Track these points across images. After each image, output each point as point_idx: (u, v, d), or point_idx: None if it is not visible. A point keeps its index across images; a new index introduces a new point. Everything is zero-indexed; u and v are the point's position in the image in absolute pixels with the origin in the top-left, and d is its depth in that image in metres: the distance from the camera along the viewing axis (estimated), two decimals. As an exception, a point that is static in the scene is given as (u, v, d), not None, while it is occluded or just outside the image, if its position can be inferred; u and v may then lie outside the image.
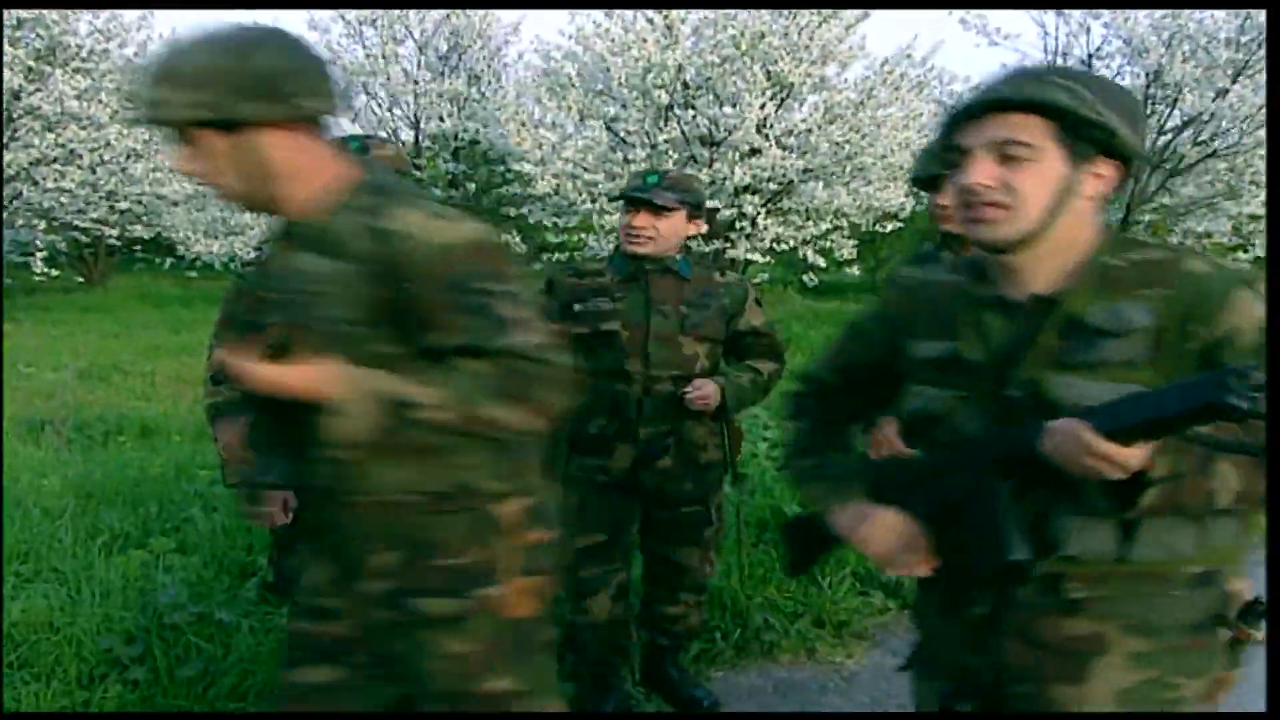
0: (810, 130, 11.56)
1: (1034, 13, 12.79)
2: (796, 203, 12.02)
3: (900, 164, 11.53)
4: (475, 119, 13.80)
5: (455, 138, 14.13)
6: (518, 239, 12.85)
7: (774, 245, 12.24)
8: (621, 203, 2.50)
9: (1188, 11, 11.28)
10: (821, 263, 12.55)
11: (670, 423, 2.48)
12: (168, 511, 3.77)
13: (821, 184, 11.57)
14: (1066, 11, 12.38)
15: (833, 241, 12.58)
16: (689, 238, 2.56)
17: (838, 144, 11.46)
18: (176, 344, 11.06)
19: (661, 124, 11.52)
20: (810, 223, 12.22)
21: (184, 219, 15.55)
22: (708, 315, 2.50)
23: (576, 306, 2.49)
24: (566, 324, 2.43)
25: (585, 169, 11.61)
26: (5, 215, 13.24)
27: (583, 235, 12.62)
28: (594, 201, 11.71)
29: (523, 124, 11.75)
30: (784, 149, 11.59)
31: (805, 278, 12.74)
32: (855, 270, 13.27)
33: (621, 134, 11.86)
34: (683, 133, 11.56)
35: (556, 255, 12.63)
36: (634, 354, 2.46)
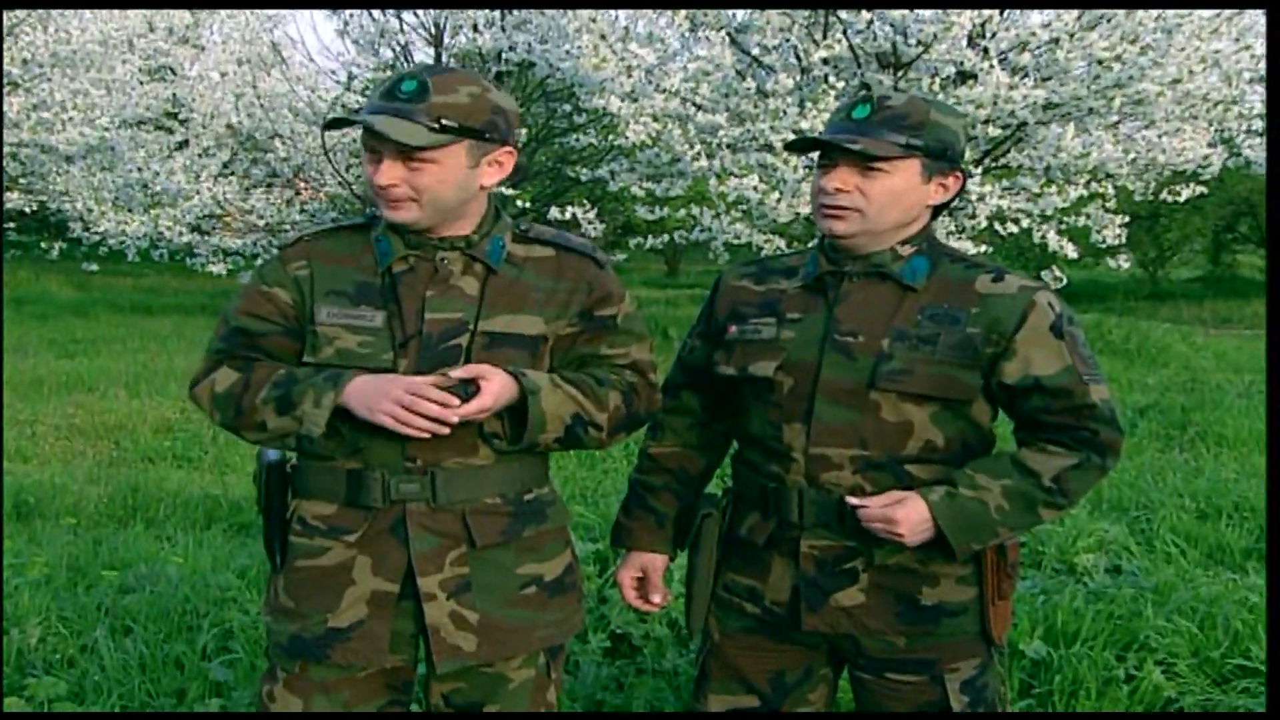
0: (1056, 41, 11.43)
1: None
2: (1031, 156, 12.03)
3: (1204, 93, 11.48)
4: (527, 29, 13.70)
5: (498, 59, 14.05)
6: (592, 215, 12.60)
7: (994, 224, 12.25)
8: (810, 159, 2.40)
9: None
10: (1071, 251, 12.47)
11: (855, 535, 2.48)
12: (56, 638, 3.96)
13: (1072, 126, 11.51)
14: None
15: (1088, 217, 12.53)
16: (936, 208, 2.54)
17: (1101, 63, 11.32)
18: (69, 375, 11.06)
19: (818, 34, 11.45)
20: (1052, 188, 12.18)
21: (83, 182, 15.65)
22: (934, 354, 2.45)
23: (731, 330, 2.60)
24: (719, 354, 2.60)
25: (699, 105, 11.62)
26: None
27: (693, 210, 12.49)
28: (712, 157, 11.73)
29: (602, 37, 11.77)
30: (1013, 71, 11.57)
31: (1045, 274, 12.66)
32: (1124, 262, 12.88)
33: (755, 51, 11.85)
34: (852, 48, 11.58)
35: (652, 239, 12.41)
36: (793, 416, 2.49)
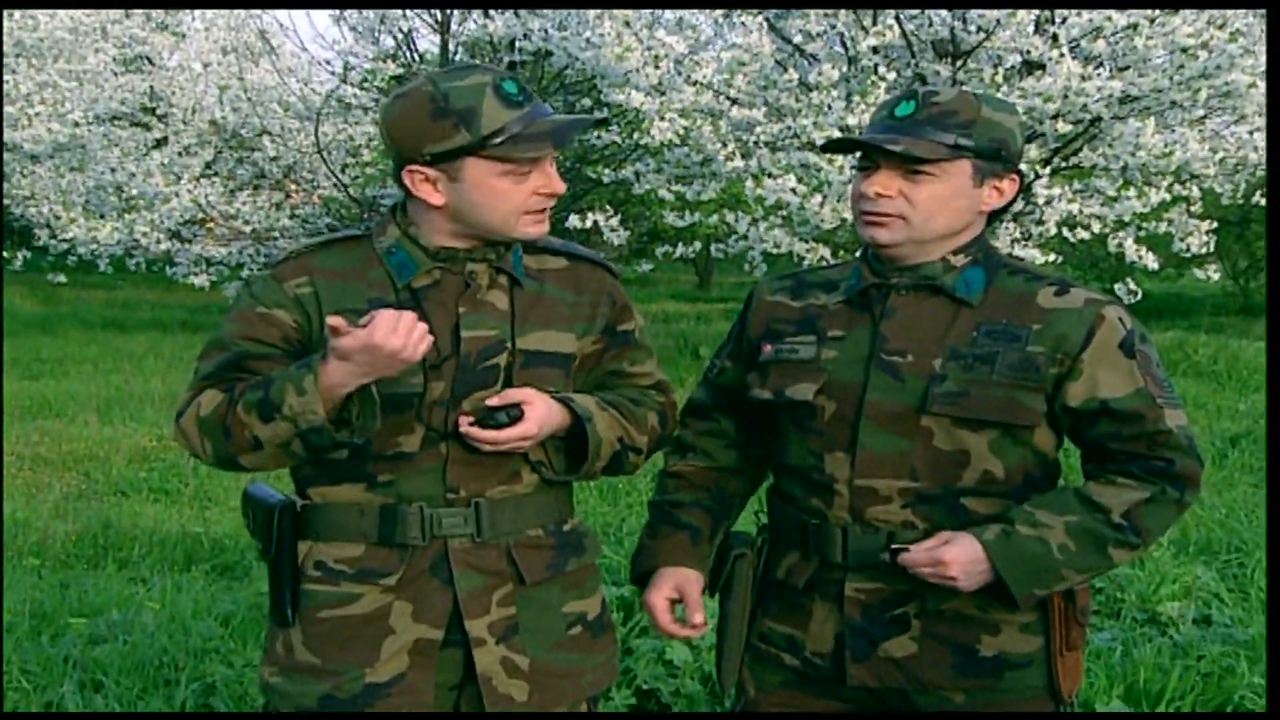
0: (1134, 27, 11.42)
1: None
2: (1106, 155, 11.97)
3: (1302, 85, 11.10)
4: (543, 15, 13.71)
5: (510, 47, 14.09)
6: (614, 221, 12.62)
7: (1063, 231, 12.21)
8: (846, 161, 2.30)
9: None
10: (1150, 261, 12.42)
11: (906, 577, 2.47)
12: (17, 693, 3.98)
13: (1153, 121, 11.44)
14: None
15: (1170, 223, 12.48)
16: (992, 214, 2.56)
17: (1185, 51, 11.27)
18: (33, 398, 11.11)
19: (867, 20, 11.48)
20: (1130, 191, 12.13)
21: (50, 184, 15.75)
22: (993, 374, 2.45)
23: (766, 349, 2.61)
24: (752, 377, 2.61)
25: (734, 99, 11.60)
26: None
27: (727, 215, 12.55)
28: (748, 156, 11.70)
29: (626, 24, 11.78)
30: (1085, 60, 11.49)
31: (1119, 288, 12.59)
32: (1211, 274, 12.81)
33: (797, 39, 11.84)
34: (905, 35, 11.59)
35: (681, 248, 12.42)
36: (836, 445, 2.50)
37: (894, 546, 2.44)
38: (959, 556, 2.39)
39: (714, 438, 2.74)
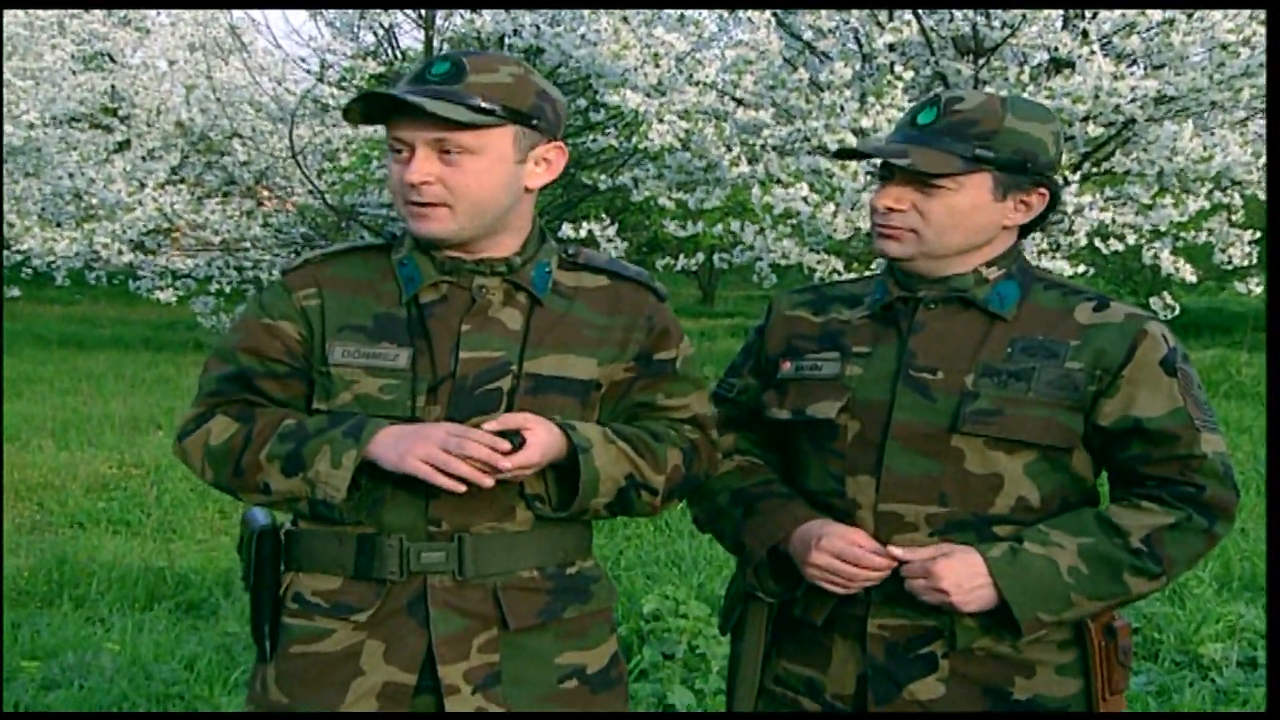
0: (1171, 22, 11.43)
1: None
2: (1140, 160, 11.96)
3: (1352, 84, 11.13)
4: (536, 9, 13.72)
5: (500, 44, 14.10)
6: (611, 231, 12.61)
7: (1095, 241, 12.20)
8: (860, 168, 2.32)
9: None
10: (1189, 274, 12.42)
11: (934, 612, 2.48)
12: None
13: (1191, 123, 11.46)
14: None
15: (1210, 233, 12.50)
16: (1020, 230, 2.59)
17: (1225, 48, 11.29)
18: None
19: (884, 16, 11.51)
20: (1167, 198, 12.06)
21: (3, 191, 15.71)
22: (1029, 392, 2.48)
23: (785, 366, 2.64)
24: (769, 395, 2.64)
25: (739, 100, 11.66)
26: None
27: (732, 224, 12.54)
28: (754, 161, 11.72)
29: (624, 19, 11.79)
30: (1118, 58, 11.55)
31: (1157, 301, 12.60)
32: (1254, 287, 12.80)
33: (807, 35, 11.95)
34: (924, 31, 11.61)
35: (683, 260, 12.41)
36: (860, 467, 2.52)
37: (895, 553, 2.44)
38: (954, 571, 2.40)
39: (751, 446, 2.73)
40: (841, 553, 2.43)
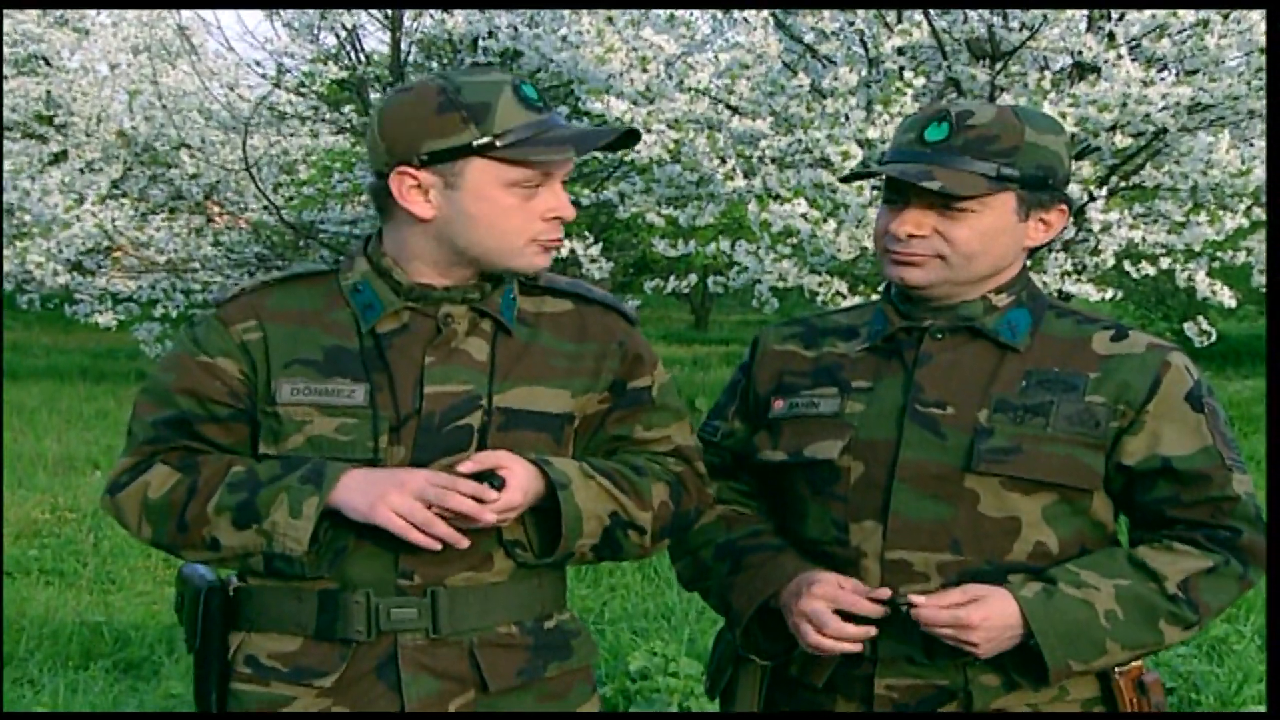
0: (1205, 24, 11.44)
1: None
2: (1173, 174, 12.00)
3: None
4: (512, 9, 13.76)
5: (473, 47, 14.15)
6: (595, 250, 12.65)
7: (1123, 262, 12.25)
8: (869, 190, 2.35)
9: None
10: (1227, 298, 12.44)
11: (948, 669, 2.49)
12: None
13: (1227, 134, 11.51)
14: None
15: (1250, 253, 12.68)
16: (1033, 251, 2.62)
17: (1264, 51, 11.27)
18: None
19: (892, 17, 11.55)
20: (1201, 215, 12.08)
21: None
22: (1047, 428, 2.50)
23: (777, 405, 2.66)
24: (761, 437, 2.65)
25: (734, 107, 11.70)
26: None
27: (724, 244, 12.52)
28: (751, 175, 11.75)
29: (609, 19, 11.78)
30: (1147, 63, 11.63)
31: (1191, 327, 12.64)
32: (1297, 312, 12.81)
33: (809, 38, 12.02)
34: (935, 34, 11.67)
35: (674, 281, 12.43)
36: (864, 512, 2.53)
37: (913, 600, 2.42)
38: (989, 620, 2.39)
39: (737, 495, 2.73)
40: (835, 598, 2.42)
